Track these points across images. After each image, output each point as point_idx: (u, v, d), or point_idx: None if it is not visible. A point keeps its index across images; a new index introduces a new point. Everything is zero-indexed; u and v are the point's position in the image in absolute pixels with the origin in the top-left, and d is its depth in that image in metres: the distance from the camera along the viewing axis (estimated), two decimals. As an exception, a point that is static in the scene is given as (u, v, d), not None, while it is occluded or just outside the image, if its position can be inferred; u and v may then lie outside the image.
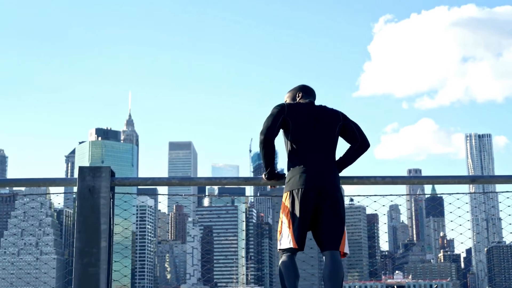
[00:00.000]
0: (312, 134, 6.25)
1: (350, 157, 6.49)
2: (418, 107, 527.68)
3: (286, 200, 6.17)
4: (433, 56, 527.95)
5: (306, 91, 6.56)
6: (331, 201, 6.12)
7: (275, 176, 6.43)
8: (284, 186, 6.28)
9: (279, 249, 6.18)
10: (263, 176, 6.48)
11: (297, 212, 6.07)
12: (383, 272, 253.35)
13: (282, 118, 6.25)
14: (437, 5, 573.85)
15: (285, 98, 6.60)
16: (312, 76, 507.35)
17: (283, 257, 6.14)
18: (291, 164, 6.26)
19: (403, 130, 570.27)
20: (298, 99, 6.51)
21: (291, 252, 6.10)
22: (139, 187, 7.20)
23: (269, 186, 6.61)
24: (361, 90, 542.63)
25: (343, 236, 6.14)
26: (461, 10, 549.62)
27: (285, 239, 6.12)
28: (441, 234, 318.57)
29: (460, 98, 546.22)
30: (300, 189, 6.08)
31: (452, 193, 7.50)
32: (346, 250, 6.19)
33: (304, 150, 6.22)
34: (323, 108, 6.43)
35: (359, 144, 6.50)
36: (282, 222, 6.20)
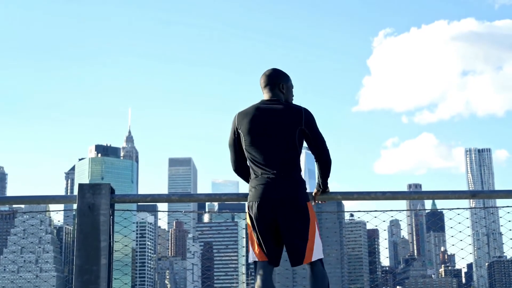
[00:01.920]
0: (265, 141, 5.91)
1: (318, 172, 6.18)
2: (418, 121, 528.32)
3: (246, 214, 6.01)
4: (433, 70, 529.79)
5: (262, 83, 6.18)
6: (287, 213, 5.80)
7: None
8: None
9: (250, 262, 6.04)
10: None
11: (255, 226, 5.87)
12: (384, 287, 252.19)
13: (236, 138, 6.03)
14: (436, 19, 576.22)
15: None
16: (311, 91, 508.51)
17: (257, 274, 5.91)
18: (250, 175, 6.04)
19: (404, 145, 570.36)
20: (263, 92, 6.17)
21: (261, 267, 5.87)
22: (139, 203, 7.19)
23: None
24: (360, 104, 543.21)
25: (306, 248, 5.81)
26: (461, 24, 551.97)
27: (250, 253, 5.98)
28: (442, 249, 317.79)
29: (461, 112, 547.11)
30: (254, 202, 5.86)
31: (453, 208, 7.49)
32: (316, 257, 5.85)
33: (258, 160, 5.92)
34: (280, 109, 5.99)
35: (316, 158, 6.07)
36: (247, 235, 6.08)
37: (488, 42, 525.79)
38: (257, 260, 5.89)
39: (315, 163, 6.14)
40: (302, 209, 5.86)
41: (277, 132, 5.90)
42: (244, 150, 6.01)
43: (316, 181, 6.26)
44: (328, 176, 6.19)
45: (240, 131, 6.00)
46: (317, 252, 5.86)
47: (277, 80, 6.16)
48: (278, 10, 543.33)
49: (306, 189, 6.00)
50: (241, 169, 6.13)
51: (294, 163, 5.93)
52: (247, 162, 6.07)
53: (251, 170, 6.01)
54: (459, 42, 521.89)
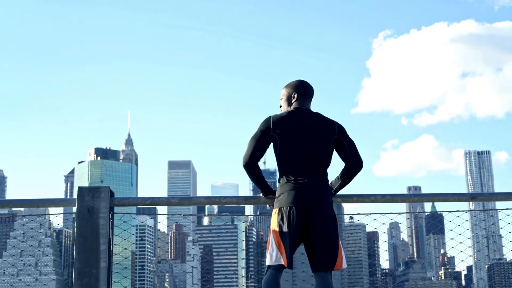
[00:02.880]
0: (302, 147, 6.02)
1: (343, 179, 6.26)
2: (418, 123, 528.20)
3: (275, 217, 6.04)
4: (433, 71, 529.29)
5: (303, 92, 6.25)
6: (321, 219, 5.92)
7: (271, 193, 6.32)
8: None
9: (267, 264, 6.05)
10: (261, 194, 6.43)
11: (286, 231, 5.92)
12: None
13: (266, 138, 6.08)
14: (436, 21, 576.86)
15: (281, 96, 6.36)
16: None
17: (268, 274, 6.00)
18: (280, 179, 6.10)
19: (403, 147, 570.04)
20: (293, 100, 6.24)
21: (277, 269, 5.98)
22: (138, 206, 7.20)
23: (267, 205, 6.51)
24: (360, 106, 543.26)
25: (338, 254, 5.97)
26: (460, 26, 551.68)
27: (274, 256, 5.98)
28: (442, 251, 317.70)
29: (460, 114, 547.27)
30: (288, 207, 5.93)
31: (452, 211, 7.50)
32: (343, 265, 6.03)
33: (293, 165, 6.02)
34: (317, 118, 6.16)
35: (351, 165, 6.19)
36: (271, 239, 6.05)
37: (488, 43, 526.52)
38: (281, 264, 5.94)
39: (344, 171, 6.23)
40: (334, 216, 6.04)
41: (315, 140, 6.05)
42: (278, 154, 6.09)
43: (332, 183, 6.34)
44: (341, 186, 6.33)
45: (275, 134, 6.06)
46: (344, 260, 6.05)
47: (311, 96, 6.34)
48: (278, 13, 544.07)
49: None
50: (256, 165, 6.14)
51: (326, 172, 6.11)
52: (278, 165, 6.13)
53: (282, 174, 6.09)
54: (459, 43, 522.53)
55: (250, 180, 6.35)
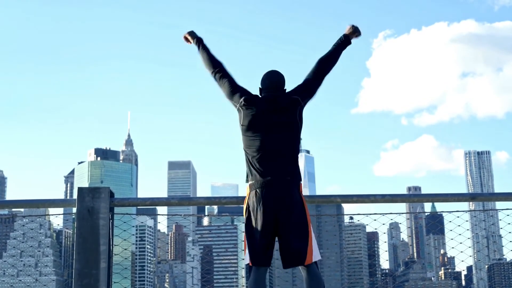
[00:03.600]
0: (265, 135, 5.85)
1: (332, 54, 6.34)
2: (418, 123, 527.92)
3: (244, 213, 5.95)
4: (433, 71, 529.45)
5: (265, 83, 6.14)
6: (289, 211, 5.74)
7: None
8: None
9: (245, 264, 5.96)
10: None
11: (253, 229, 5.83)
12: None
13: (238, 94, 6.12)
14: (436, 21, 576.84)
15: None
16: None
17: (251, 275, 5.92)
18: (247, 170, 5.95)
19: (403, 147, 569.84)
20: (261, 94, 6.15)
21: (256, 269, 5.88)
22: (138, 207, 7.20)
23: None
24: (360, 106, 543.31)
25: (307, 247, 5.77)
26: (460, 26, 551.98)
27: (246, 256, 5.95)
28: (442, 251, 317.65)
29: (460, 114, 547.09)
30: (255, 204, 5.80)
31: (452, 211, 7.50)
32: (315, 258, 5.83)
33: (261, 149, 5.85)
34: (280, 100, 5.97)
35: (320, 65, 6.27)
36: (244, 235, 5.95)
37: (488, 43, 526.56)
38: (248, 263, 5.89)
39: (326, 58, 6.35)
40: (302, 207, 5.85)
41: (280, 124, 5.88)
42: (243, 140, 5.98)
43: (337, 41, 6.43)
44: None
45: (241, 107, 6.03)
46: (316, 253, 5.85)
47: (284, 85, 6.22)
48: (278, 13, 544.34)
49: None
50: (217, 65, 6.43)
51: (293, 159, 5.91)
52: (245, 154, 5.99)
53: (248, 164, 5.93)
54: (459, 43, 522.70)
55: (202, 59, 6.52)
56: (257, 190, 5.81)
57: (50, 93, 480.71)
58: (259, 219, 5.78)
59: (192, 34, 6.63)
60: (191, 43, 6.62)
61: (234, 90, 6.14)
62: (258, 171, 5.85)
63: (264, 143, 5.85)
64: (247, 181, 5.95)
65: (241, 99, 6.01)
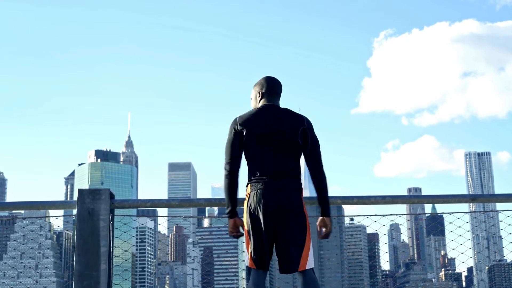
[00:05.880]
0: (269, 144, 5.83)
1: (319, 194, 5.96)
2: (419, 123, 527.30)
3: (244, 217, 5.90)
4: (434, 71, 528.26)
5: (268, 89, 6.04)
6: (288, 218, 5.73)
7: (237, 217, 5.95)
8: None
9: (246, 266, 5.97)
10: (226, 213, 6.00)
11: (253, 231, 5.80)
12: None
13: (239, 139, 5.87)
14: (438, 21, 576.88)
15: (251, 96, 6.19)
16: (310, 93, 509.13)
17: (250, 277, 5.91)
18: (249, 176, 5.93)
19: (404, 147, 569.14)
20: (259, 98, 6.05)
21: (255, 273, 5.87)
22: (138, 209, 7.20)
23: (229, 230, 6.07)
24: (360, 107, 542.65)
25: (301, 255, 5.74)
26: (462, 25, 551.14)
27: (246, 258, 5.93)
28: (442, 253, 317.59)
29: (461, 114, 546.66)
30: (255, 207, 5.78)
31: (453, 212, 7.49)
32: (310, 265, 5.78)
33: (260, 163, 5.83)
34: (284, 114, 5.95)
35: (309, 164, 5.95)
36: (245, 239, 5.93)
37: (490, 43, 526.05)
38: (248, 266, 5.88)
39: (312, 181, 5.94)
40: (301, 216, 5.82)
41: (282, 137, 5.84)
42: (245, 151, 5.91)
43: (318, 209, 6.05)
44: (327, 197, 5.96)
45: (242, 131, 5.86)
46: (311, 260, 5.81)
47: (280, 90, 6.11)
48: (278, 13, 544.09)
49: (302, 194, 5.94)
50: (237, 175, 5.94)
51: (296, 168, 5.89)
52: (247, 164, 5.95)
53: (250, 172, 5.91)
54: (461, 43, 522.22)
55: (225, 192, 5.95)
56: (258, 191, 5.81)
57: (51, 95, 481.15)
58: (259, 221, 5.78)
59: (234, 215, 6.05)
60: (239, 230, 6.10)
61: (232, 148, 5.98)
62: (259, 172, 5.86)
63: (265, 148, 5.86)
64: (249, 181, 5.95)
65: (238, 127, 5.91)
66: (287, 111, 5.97)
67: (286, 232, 5.74)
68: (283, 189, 5.79)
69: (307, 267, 5.78)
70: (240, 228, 5.96)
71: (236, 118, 5.93)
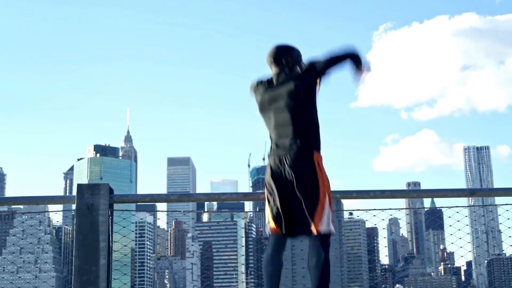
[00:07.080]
0: (275, 109, 5.98)
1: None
2: (418, 117, 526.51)
3: (265, 184, 6.01)
4: (433, 65, 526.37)
5: (274, 59, 6.21)
6: (300, 178, 5.70)
7: None
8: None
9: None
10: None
11: (270, 194, 5.85)
12: (383, 286, 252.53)
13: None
14: (438, 14, 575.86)
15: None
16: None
17: (267, 247, 5.90)
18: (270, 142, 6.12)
19: (403, 141, 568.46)
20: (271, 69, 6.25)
21: (271, 243, 5.83)
22: (138, 203, 7.21)
23: None
24: (359, 100, 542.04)
25: (314, 216, 5.63)
26: (462, 19, 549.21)
27: (266, 224, 5.92)
28: (441, 247, 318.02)
29: (461, 108, 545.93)
30: (271, 168, 5.88)
31: (452, 206, 7.50)
32: (324, 228, 5.63)
33: (272, 128, 5.98)
34: (284, 79, 6.07)
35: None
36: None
37: (490, 37, 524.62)
38: (270, 233, 5.83)
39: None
40: (313, 176, 5.76)
41: (284, 101, 5.97)
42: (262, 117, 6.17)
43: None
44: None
45: (254, 97, 6.21)
46: (325, 225, 5.66)
47: (279, 56, 6.20)
48: (276, 8, 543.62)
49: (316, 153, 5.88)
50: None
51: (308, 128, 5.94)
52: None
53: (270, 139, 6.08)
54: (461, 37, 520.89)
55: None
56: (275, 159, 5.87)
57: (49, 90, 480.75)
58: (273, 190, 5.83)
59: None
60: None
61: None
62: (272, 143, 6.00)
63: (272, 119, 6.01)
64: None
65: (251, 89, 6.28)
66: (288, 75, 6.15)
67: (295, 194, 5.73)
68: (289, 151, 5.84)
69: (321, 231, 5.64)
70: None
71: (251, 87, 6.37)
